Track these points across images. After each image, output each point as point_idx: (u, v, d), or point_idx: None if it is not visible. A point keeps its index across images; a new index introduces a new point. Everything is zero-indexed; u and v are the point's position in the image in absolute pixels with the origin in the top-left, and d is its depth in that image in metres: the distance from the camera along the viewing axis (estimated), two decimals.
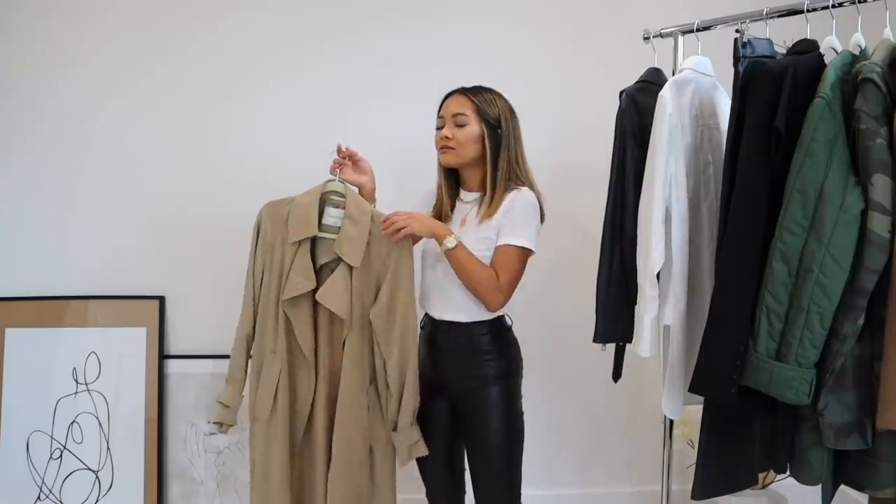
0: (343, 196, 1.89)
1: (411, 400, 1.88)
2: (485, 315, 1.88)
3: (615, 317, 2.05)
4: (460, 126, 1.88)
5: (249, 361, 1.94)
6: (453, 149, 1.88)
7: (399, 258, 1.87)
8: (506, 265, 1.83)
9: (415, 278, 1.91)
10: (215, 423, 1.97)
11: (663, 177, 1.79)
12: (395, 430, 1.89)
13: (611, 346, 2.14)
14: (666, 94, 1.79)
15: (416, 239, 1.91)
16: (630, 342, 2.05)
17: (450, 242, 1.80)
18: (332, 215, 1.88)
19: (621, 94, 2.08)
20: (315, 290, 1.85)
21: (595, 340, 2.08)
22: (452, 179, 1.98)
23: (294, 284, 1.84)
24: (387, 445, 1.91)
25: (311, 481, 1.93)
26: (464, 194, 1.97)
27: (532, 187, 1.90)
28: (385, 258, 1.86)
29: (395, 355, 1.87)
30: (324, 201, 1.89)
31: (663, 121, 1.79)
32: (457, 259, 1.81)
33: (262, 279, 1.91)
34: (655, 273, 1.81)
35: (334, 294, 1.84)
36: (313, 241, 1.88)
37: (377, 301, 1.87)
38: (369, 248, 1.86)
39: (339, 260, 1.85)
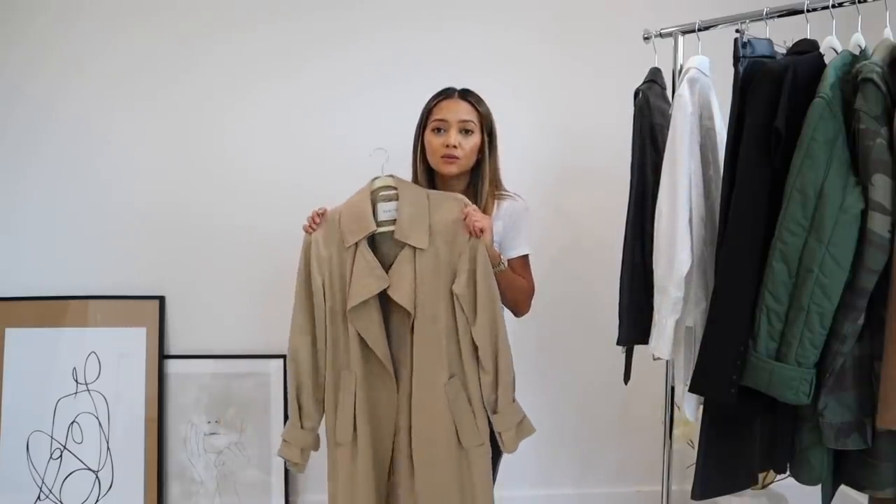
0: (394, 188, 1.74)
1: (507, 371, 1.71)
2: None
3: (638, 319, 2.01)
4: (466, 134, 1.79)
5: (302, 386, 1.78)
6: (459, 158, 1.78)
7: (475, 246, 1.69)
8: (527, 274, 1.87)
9: None
10: (279, 455, 1.82)
11: (687, 177, 1.76)
12: (494, 412, 1.71)
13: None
14: (685, 94, 1.76)
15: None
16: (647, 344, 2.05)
17: (504, 261, 1.80)
18: (387, 209, 1.73)
19: (637, 93, 2.06)
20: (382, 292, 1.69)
21: (619, 343, 2.07)
22: (430, 184, 1.88)
23: (363, 287, 1.67)
24: (481, 443, 1.72)
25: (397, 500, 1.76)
26: None
27: (507, 190, 1.88)
28: (459, 245, 1.69)
29: (485, 318, 1.69)
30: (374, 202, 1.74)
31: (685, 120, 1.75)
32: (507, 276, 1.80)
33: (324, 294, 1.73)
34: (683, 275, 1.77)
35: (398, 283, 1.67)
36: (373, 245, 1.72)
37: (458, 278, 1.69)
38: (436, 232, 1.69)
39: (402, 248, 1.70)
